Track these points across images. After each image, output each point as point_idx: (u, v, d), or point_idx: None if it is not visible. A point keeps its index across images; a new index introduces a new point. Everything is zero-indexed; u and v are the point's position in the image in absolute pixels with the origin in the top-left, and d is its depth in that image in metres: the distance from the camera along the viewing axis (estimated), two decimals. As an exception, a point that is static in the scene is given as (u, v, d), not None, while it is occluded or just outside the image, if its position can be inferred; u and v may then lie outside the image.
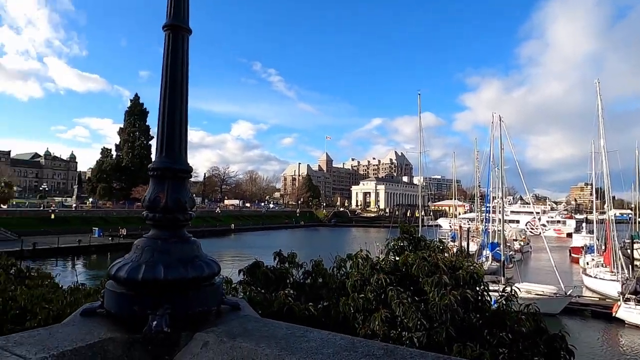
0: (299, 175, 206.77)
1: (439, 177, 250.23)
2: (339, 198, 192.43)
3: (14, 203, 68.63)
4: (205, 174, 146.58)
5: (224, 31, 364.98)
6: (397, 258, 4.75)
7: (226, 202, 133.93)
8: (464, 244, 42.65)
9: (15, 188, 70.64)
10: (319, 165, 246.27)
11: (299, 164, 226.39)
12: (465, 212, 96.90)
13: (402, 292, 3.84)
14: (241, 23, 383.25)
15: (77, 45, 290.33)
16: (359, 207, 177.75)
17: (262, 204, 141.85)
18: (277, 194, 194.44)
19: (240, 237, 78.20)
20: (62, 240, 46.56)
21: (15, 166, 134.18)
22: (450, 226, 71.37)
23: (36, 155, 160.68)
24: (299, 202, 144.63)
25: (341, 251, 5.97)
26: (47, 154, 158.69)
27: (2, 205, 57.36)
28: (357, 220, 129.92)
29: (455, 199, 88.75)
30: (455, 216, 77.32)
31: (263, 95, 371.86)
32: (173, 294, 1.91)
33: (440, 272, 3.93)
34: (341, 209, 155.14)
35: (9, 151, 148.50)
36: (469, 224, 58.90)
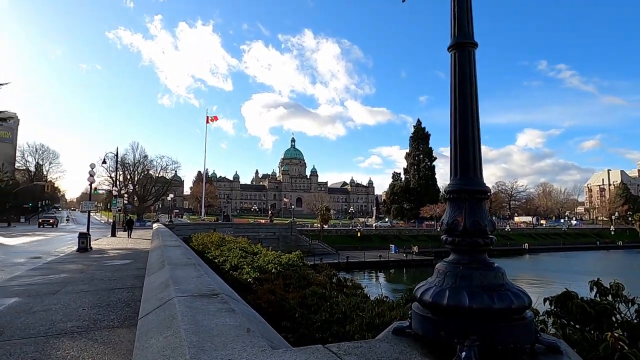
0: (610, 184, 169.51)
1: None
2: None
3: (332, 223, 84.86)
4: (490, 189, 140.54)
5: (500, 37, 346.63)
6: None
7: (516, 219, 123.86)
8: None
9: (332, 211, 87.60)
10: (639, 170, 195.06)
11: (608, 170, 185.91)
12: None
13: None
14: (519, 23, 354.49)
15: (367, 85, 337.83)
16: None
17: (561, 220, 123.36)
18: (580, 209, 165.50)
19: (536, 259, 70.06)
20: (367, 255, 53.99)
21: (331, 194, 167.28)
22: None
23: (344, 183, 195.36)
24: (613, 217, 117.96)
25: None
26: (352, 182, 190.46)
27: (324, 225, 72.06)
28: None
29: None
30: None
31: (552, 97, 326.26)
32: (478, 325, 1.79)
33: None
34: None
35: (326, 182, 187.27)
36: None
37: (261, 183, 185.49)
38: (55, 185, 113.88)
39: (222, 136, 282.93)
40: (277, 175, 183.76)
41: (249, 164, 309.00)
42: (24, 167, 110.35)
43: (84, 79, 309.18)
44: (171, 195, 70.73)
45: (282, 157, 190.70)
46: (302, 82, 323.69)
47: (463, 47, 2.11)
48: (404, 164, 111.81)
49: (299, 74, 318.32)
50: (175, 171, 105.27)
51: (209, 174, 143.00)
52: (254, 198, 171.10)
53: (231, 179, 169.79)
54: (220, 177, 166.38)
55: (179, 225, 49.00)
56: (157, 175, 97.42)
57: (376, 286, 37.72)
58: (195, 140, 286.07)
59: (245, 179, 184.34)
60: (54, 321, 6.36)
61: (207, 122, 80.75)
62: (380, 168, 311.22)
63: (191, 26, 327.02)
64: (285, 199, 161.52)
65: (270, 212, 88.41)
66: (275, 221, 72.04)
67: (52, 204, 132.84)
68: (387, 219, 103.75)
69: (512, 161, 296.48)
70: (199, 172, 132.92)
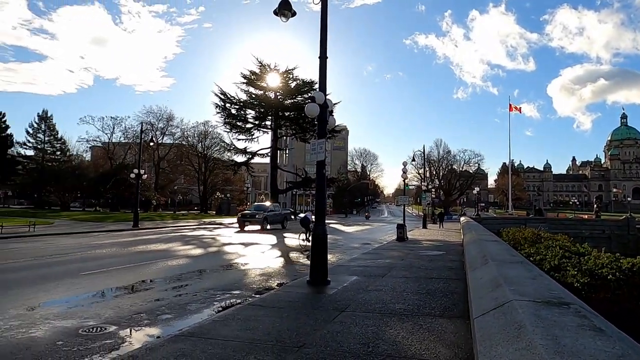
0: None
1: None
2: None
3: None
4: None
5: None
6: None
7: None
8: None
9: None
10: None
11: None
12: None
13: None
14: None
15: None
16: None
17: None
18: None
19: None
20: None
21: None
22: None
23: None
24: None
25: None
26: None
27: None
28: None
29: None
30: None
31: None
32: None
33: None
34: None
35: None
36: None
37: (580, 172, 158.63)
38: (376, 183, 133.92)
39: (525, 122, 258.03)
40: (603, 161, 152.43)
41: (561, 150, 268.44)
42: (353, 169, 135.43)
43: (389, 88, 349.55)
44: (476, 189, 70.13)
45: (609, 138, 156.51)
46: (632, 40, 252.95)
47: None
48: None
49: (625, 31, 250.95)
50: (478, 164, 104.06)
51: (515, 164, 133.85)
52: (571, 189, 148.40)
53: (541, 169, 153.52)
54: (528, 167, 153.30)
55: (486, 219, 47.85)
56: (460, 169, 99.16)
57: None
58: (494, 130, 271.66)
59: (558, 168, 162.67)
60: (385, 301, 7.17)
61: (510, 109, 75.72)
62: None
63: (482, 12, 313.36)
64: (615, 189, 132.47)
65: (595, 205, 74.14)
66: (602, 216, 59.62)
67: (374, 199, 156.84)
68: None
69: None
70: (504, 163, 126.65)
